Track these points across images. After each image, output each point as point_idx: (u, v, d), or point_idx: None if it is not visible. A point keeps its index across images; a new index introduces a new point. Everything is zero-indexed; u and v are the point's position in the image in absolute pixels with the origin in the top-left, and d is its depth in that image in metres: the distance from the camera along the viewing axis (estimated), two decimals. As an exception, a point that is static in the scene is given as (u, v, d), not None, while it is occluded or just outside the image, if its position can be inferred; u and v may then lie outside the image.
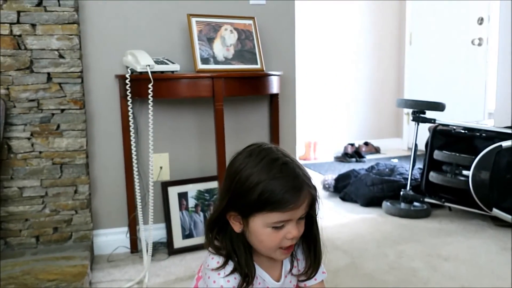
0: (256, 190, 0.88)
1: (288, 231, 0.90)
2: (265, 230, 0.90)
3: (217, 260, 0.95)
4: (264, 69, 1.96)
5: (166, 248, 2.02)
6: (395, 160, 3.90)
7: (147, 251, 1.77)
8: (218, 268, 0.94)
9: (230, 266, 0.94)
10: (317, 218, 0.98)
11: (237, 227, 0.93)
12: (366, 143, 4.53)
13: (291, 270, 1.02)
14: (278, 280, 1.01)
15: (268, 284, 0.99)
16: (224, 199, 0.94)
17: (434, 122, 2.50)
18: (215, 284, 0.94)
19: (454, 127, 2.47)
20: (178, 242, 2.00)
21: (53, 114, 1.82)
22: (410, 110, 2.60)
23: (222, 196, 0.95)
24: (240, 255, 0.94)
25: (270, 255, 0.95)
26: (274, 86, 1.93)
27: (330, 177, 3.02)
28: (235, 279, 0.94)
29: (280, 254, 0.94)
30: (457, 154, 2.33)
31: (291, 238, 0.91)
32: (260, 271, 0.98)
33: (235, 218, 0.93)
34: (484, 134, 2.32)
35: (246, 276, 0.94)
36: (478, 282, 1.68)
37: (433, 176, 2.43)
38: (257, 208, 0.89)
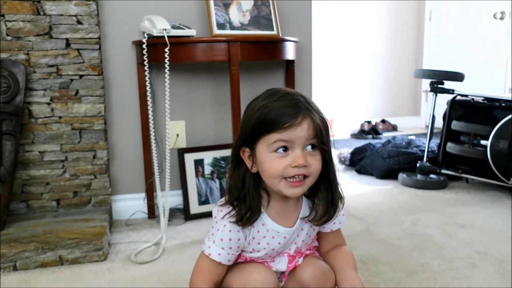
0: (256, 114, 0.90)
1: (293, 160, 0.88)
2: (268, 156, 0.90)
3: (224, 213, 0.96)
4: (280, 35, 1.95)
5: (183, 214, 2.05)
6: (412, 137, 3.87)
7: (164, 215, 1.80)
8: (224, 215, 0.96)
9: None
10: (331, 156, 0.96)
11: (250, 165, 0.94)
12: (383, 121, 4.49)
13: (310, 218, 1.00)
14: (292, 226, 1.00)
15: (283, 234, 0.99)
16: (237, 137, 0.96)
17: (452, 93, 2.46)
18: (223, 221, 0.95)
19: (473, 98, 2.43)
20: (195, 208, 2.03)
21: (72, 80, 1.85)
22: (428, 88, 2.56)
23: (236, 136, 0.97)
24: (248, 195, 0.94)
25: (277, 189, 0.92)
26: (290, 52, 1.93)
27: (346, 151, 3.02)
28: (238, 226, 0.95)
29: (286, 187, 0.91)
30: (476, 124, 2.30)
31: (296, 166, 0.88)
32: (272, 225, 0.98)
33: (248, 155, 0.94)
34: (503, 104, 2.29)
35: (246, 216, 0.93)
36: (494, 247, 1.67)
37: (450, 147, 2.40)
38: (257, 132, 0.90)
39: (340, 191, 1.00)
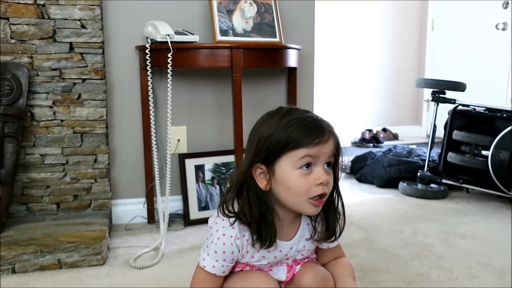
0: (279, 130, 0.89)
1: (317, 177, 0.89)
2: (293, 172, 0.89)
3: (226, 222, 0.95)
4: (283, 42, 1.96)
5: (182, 219, 2.05)
6: (413, 146, 3.87)
7: (163, 220, 1.80)
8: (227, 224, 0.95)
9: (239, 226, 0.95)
10: (338, 177, 0.97)
11: (262, 183, 0.92)
12: (384, 130, 4.49)
13: (312, 237, 1.00)
14: (289, 240, 1.00)
15: (278, 247, 0.99)
16: (248, 156, 0.94)
17: (454, 103, 2.47)
18: (217, 233, 0.94)
19: (475, 108, 2.43)
20: (194, 213, 2.03)
21: (74, 84, 1.85)
22: (430, 97, 2.57)
23: (246, 156, 0.95)
24: (269, 215, 0.93)
25: (299, 208, 0.93)
26: (292, 59, 1.93)
27: (347, 159, 3.02)
28: (243, 236, 0.95)
29: (310, 206, 0.91)
30: (477, 134, 2.30)
31: (320, 184, 0.89)
32: None
33: (261, 173, 0.92)
34: (505, 115, 2.29)
35: (266, 238, 0.93)
36: (495, 258, 1.66)
37: (451, 157, 2.40)
38: (282, 148, 0.89)
39: (343, 211, 1.00)
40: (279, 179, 0.91)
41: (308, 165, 0.89)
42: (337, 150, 0.92)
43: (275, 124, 0.91)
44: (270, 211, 0.93)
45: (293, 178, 0.89)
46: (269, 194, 0.94)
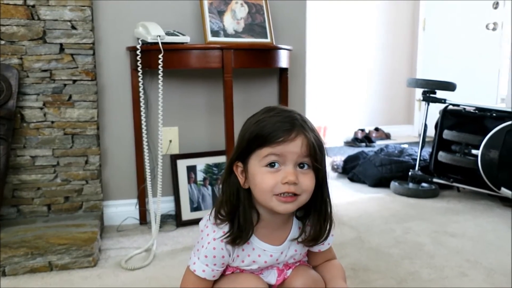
0: (251, 129, 0.91)
1: (284, 176, 0.87)
2: (259, 170, 0.89)
3: (217, 234, 0.95)
4: (274, 43, 1.97)
5: (174, 220, 2.05)
6: (405, 145, 3.89)
7: (155, 221, 1.80)
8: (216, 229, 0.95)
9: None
10: (326, 178, 0.95)
11: (242, 180, 0.93)
12: (376, 129, 4.52)
13: (299, 237, 0.99)
14: (279, 245, 1.00)
15: (269, 252, 0.98)
16: (232, 151, 0.96)
17: (444, 102, 2.48)
18: (208, 237, 0.95)
19: (465, 107, 2.45)
20: (186, 214, 2.03)
21: (65, 85, 1.84)
22: (422, 97, 2.58)
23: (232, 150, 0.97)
24: (241, 212, 0.93)
25: (268, 206, 0.91)
26: (284, 60, 1.94)
27: (339, 159, 3.03)
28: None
29: (278, 203, 0.89)
30: (467, 134, 2.32)
31: (286, 182, 0.87)
32: (258, 243, 0.97)
33: (241, 171, 0.93)
34: (494, 114, 2.31)
35: (238, 235, 0.93)
36: (485, 257, 1.68)
37: (442, 156, 2.42)
38: (251, 145, 0.90)
39: (331, 214, 0.98)
40: (250, 176, 0.91)
41: (273, 164, 0.89)
42: (311, 150, 0.88)
43: (252, 122, 0.92)
44: (244, 207, 0.92)
45: (259, 176, 0.89)
46: (251, 193, 0.94)
